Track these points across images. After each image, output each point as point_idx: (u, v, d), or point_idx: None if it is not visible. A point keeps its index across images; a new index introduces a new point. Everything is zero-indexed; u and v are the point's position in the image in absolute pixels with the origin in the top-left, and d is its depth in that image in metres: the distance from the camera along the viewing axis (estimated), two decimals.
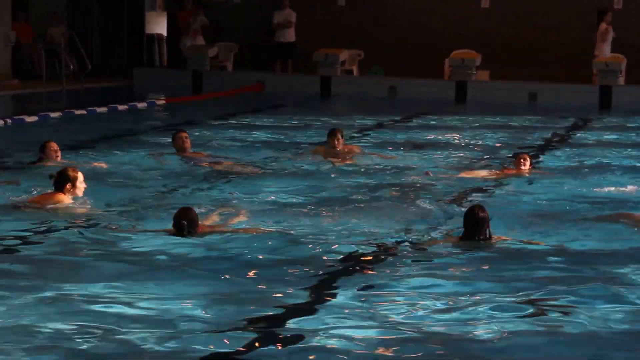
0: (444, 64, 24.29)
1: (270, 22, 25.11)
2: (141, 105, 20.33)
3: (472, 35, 24.49)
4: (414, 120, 18.97)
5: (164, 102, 21.23)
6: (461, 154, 14.14)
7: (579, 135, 17.25)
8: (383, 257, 7.96)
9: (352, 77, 24.94)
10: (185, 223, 8.14)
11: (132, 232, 8.57)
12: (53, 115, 17.73)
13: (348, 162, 12.65)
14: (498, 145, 15.48)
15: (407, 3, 25.33)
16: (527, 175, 12.03)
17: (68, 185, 9.24)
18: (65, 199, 9.22)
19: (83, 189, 9.32)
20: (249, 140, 15.40)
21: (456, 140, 16.00)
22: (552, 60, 24.03)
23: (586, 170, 12.85)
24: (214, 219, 9.02)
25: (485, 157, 13.97)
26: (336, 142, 12.97)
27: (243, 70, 25.33)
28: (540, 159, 13.93)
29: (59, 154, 11.62)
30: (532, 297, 6.80)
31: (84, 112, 18.43)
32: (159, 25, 28.93)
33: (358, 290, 6.97)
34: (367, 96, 23.22)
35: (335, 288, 7.06)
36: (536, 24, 24.39)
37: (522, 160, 12.24)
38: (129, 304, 6.52)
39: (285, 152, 13.95)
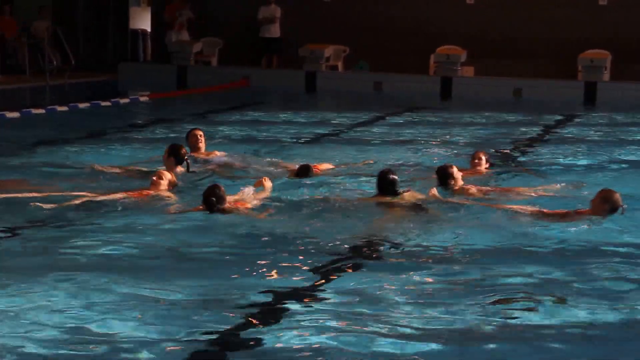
0: (429, 60, 24.26)
1: (255, 18, 25.03)
2: (124, 100, 20.23)
3: (457, 31, 24.45)
4: (399, 116, 18.92)
5: (147, 97, 21.12)
6: (445, 151, 14.11)
7: (563, 131, 17.22)
8: (366, 255, 8.02)
9: (338, 72, 24.88)
10: (214, 200, 8.73)
11: (165, 212, 9.00)
12: (35, 111, 17.61)
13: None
14: (482, 141, 15.42)
15: None
16: (482, 175, 11.20)
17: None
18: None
19: (158, 184, 9.68)
20: (234, 136, 15.33)
21: (441, 137, 15.95)
22: (537, 56, 24.02)
23: (568, 166, 12.80)
24: (243, 196, 9.38)
25: (469, 153, 13.89)
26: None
27: (228, 66, 25.26)
28: (524, 155, 13.93)
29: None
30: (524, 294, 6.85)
31: (66, 108, 18.32)
32: (143, 21, 28.80)
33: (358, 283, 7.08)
34: (353, 92, 23.15)
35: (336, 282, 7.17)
36: (520, 19, 24.36)
37: (476, 160, 11.29)
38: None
39: (270, 148, 13.91)
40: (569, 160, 13.40)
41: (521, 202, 9.71)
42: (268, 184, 9.76)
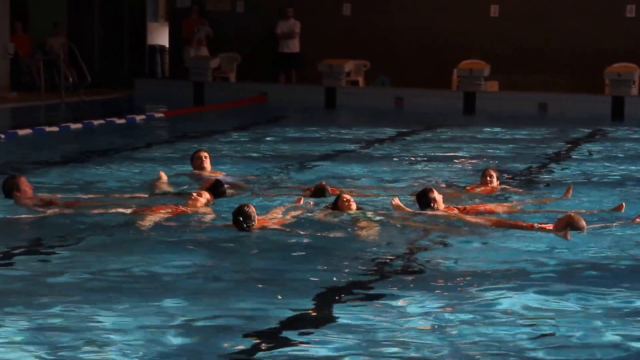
0: (452, 75, 23.87)
1: (274, 33, 24.72)
2: (140, 117, 19.89)
3: (481, 45, 24.07)
4: (421, 132, 18.54)
5: (162, 114, 20.75)
6: (469, 167, 13.78)
7: (590, 146, 16.79)
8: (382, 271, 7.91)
9: (358, 88, 24.52)
10: (241, 219, 8.87)
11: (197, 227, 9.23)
12: (49, 129, 17.31)
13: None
14: (507, 157, 15.07)
15: (414, 12, 24.90)
16: (492, 193, 10.94)
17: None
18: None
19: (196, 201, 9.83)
20: (251, 153, 15.02)
21: (464, 153, 15.58)
22: (563, 70, 23.63)
23: (595, 182, 12.43)
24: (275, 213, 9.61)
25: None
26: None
27: (246, 82, 24.94)
28: (549, 171, 13.58)
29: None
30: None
31: (80, 125, 18.01)
32: (160, 36, 28.62)
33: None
34: (373, 107, 22.79)
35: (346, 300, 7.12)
36: (546, 33, 23.95)
37: (487, 177, 11.08)
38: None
39: (289, 165, 13.58)
40: (596, 177, 13.03)
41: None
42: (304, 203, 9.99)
